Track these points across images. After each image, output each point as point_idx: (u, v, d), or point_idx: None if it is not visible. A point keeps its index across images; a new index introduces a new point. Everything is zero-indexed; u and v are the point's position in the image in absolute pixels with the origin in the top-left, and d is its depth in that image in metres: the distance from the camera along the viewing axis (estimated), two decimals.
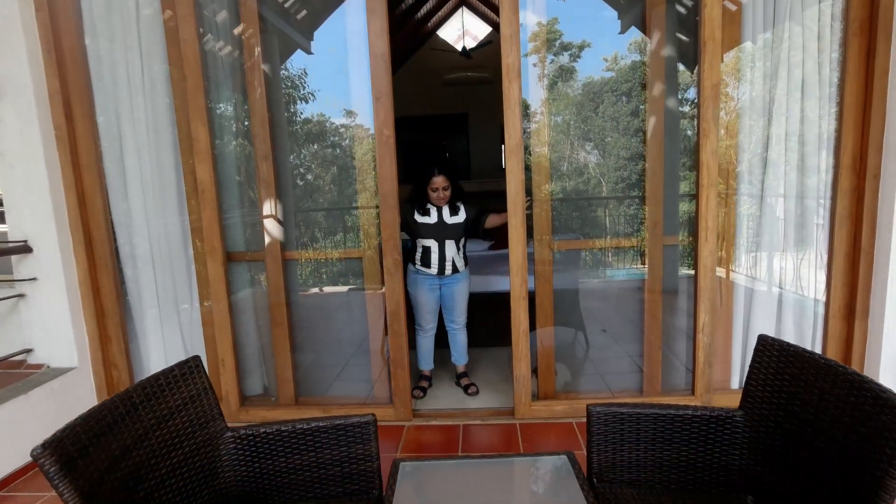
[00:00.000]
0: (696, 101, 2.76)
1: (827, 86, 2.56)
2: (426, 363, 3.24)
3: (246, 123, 2.84)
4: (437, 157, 8.08)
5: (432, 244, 2.98)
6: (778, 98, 2.61)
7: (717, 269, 2.67)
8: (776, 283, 2.78)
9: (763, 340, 1.50)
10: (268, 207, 2.76)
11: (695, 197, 2.60)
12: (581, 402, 2.76)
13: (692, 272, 2.68)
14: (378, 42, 2.56)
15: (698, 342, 2.67)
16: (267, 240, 2.79)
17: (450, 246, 2.99)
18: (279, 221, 2.79)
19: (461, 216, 3.00)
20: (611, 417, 1.54)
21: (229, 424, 1.56)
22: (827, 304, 2.69)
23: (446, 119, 8.38)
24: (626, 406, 1.55)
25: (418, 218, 2.98)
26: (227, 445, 1.52)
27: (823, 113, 2.59)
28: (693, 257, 2.67)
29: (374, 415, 1.57)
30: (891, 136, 2.42)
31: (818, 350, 2.73)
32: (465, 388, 3.16)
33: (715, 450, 1.53)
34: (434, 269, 3.00)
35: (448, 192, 2.92)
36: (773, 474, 1.42)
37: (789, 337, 2.74)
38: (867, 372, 2.61)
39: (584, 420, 2.68)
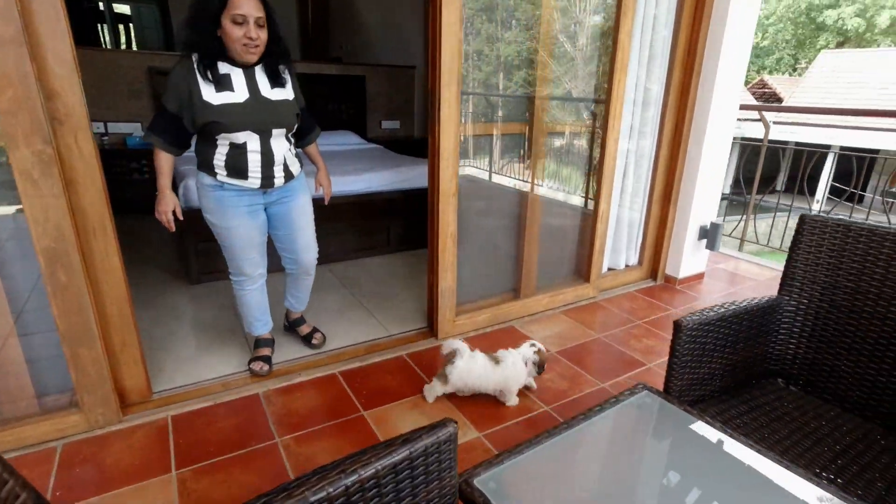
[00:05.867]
0: None
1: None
2: (263, 324, 2.12)
3: None
4: None
5: (249, 138, 1.73)
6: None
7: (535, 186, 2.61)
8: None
9: (803, 219, 1.43)
10: None
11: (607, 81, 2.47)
12: (483, 312, 2.47)
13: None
14: None
15: (597, 230, 2.68)
16: None
17: (279, 139, 1.80)
18: None
19: (289, 91, 1.80)
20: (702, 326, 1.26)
21: None
22: (651, 190, 3.02)
23: None
24: (713, 310, 1.28)
25: (211, 96, 1.65)
26: None
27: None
28: (601, 144, 2.60)
29: None
30: (714, 33, 2.71)
31: (640, 232, 3.10)
32: (308, 338, 2.28)
33: (760, 339, 1.45)
34: (256, 180, 1.80)
35: (265, 36, 1.67)
36: (815, 353, 1.42)
37: (622, 230, 3.01)
38: (674, 245, 3.11)
39: (476, 333, 2.37)
